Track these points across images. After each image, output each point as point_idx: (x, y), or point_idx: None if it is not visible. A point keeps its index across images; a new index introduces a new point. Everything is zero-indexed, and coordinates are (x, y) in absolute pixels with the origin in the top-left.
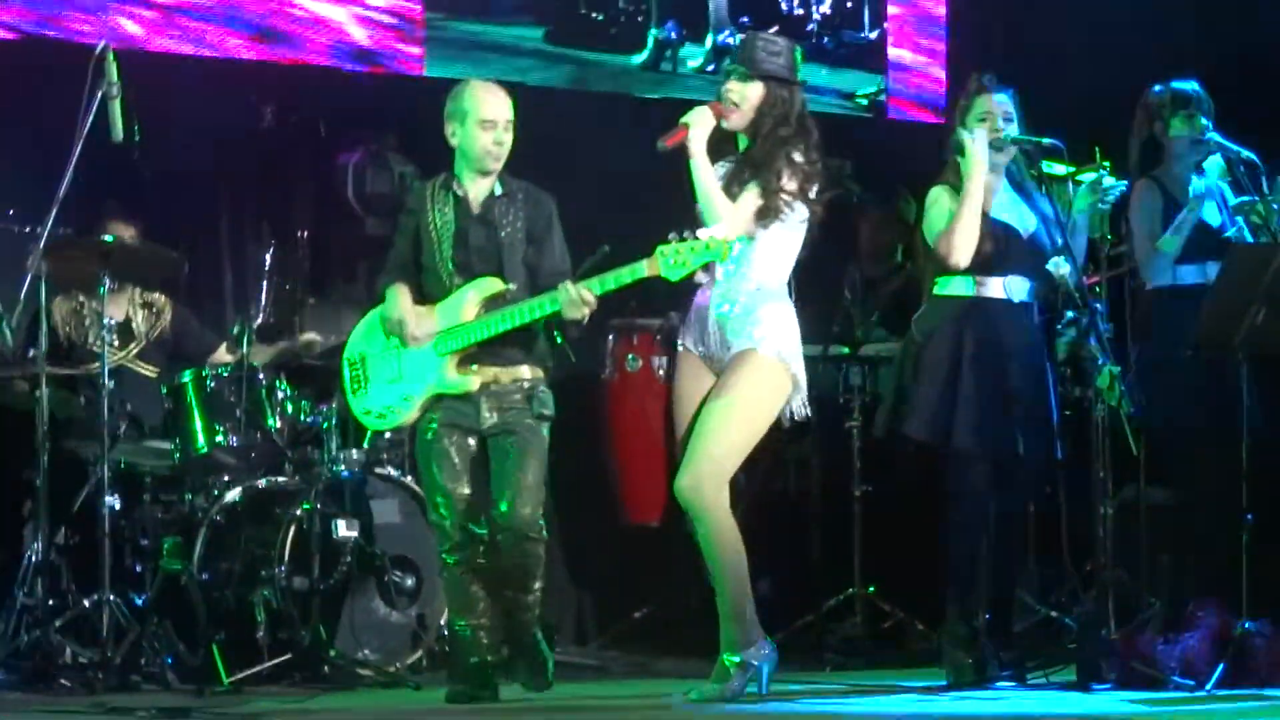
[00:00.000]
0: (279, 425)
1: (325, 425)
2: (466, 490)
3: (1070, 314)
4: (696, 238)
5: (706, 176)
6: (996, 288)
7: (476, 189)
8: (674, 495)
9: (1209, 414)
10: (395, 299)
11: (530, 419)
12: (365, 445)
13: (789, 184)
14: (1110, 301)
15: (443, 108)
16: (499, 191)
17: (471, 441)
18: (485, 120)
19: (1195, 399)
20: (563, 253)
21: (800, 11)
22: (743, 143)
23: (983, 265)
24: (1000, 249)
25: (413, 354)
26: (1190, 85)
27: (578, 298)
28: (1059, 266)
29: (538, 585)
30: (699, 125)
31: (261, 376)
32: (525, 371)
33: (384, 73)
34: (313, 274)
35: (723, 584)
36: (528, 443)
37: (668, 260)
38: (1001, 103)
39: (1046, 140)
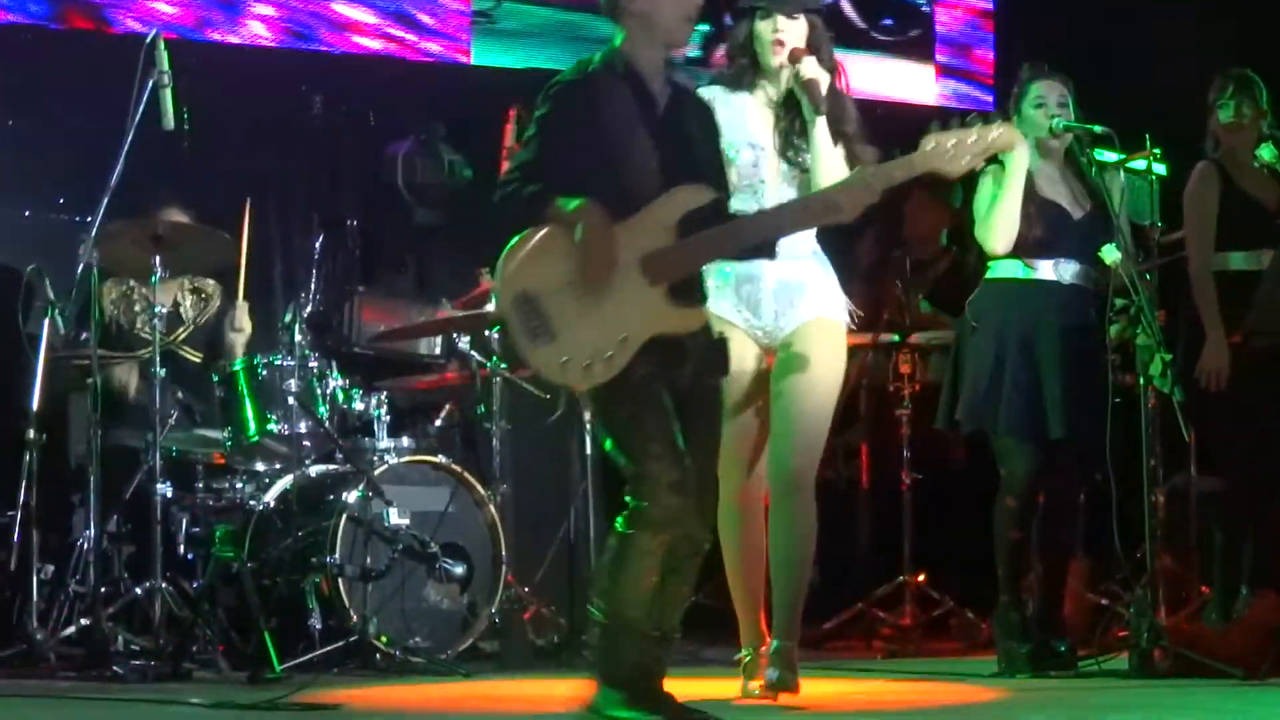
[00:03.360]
0: (330, 413)
1: (376, 413)
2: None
3: (1120, 301)
4: (966, 125)
5: (826, 139)
6: (1047, 270)
7: (654, 75)
8: (780, 477)
9: (1261, 400)
10: (593, 213)
11: (721, 377)
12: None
13: (858, 131)
14: (1162, 288)
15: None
16: (677, 80)
17: (668, 398)
18: None
19: (1246, 385)
20: None
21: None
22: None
23: (1033, 248)
24: (1051, 232)
25: (615, 285)
26: (1239, 71)
27: (874, 186)
28: (1110, 253)
29: None
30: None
31: (313, 364)
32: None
33: (434, 61)
34: (362, 263)
35: (802, 570)
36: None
37: (942, 152)
38: (1055, 88)
39: (1098, 127)
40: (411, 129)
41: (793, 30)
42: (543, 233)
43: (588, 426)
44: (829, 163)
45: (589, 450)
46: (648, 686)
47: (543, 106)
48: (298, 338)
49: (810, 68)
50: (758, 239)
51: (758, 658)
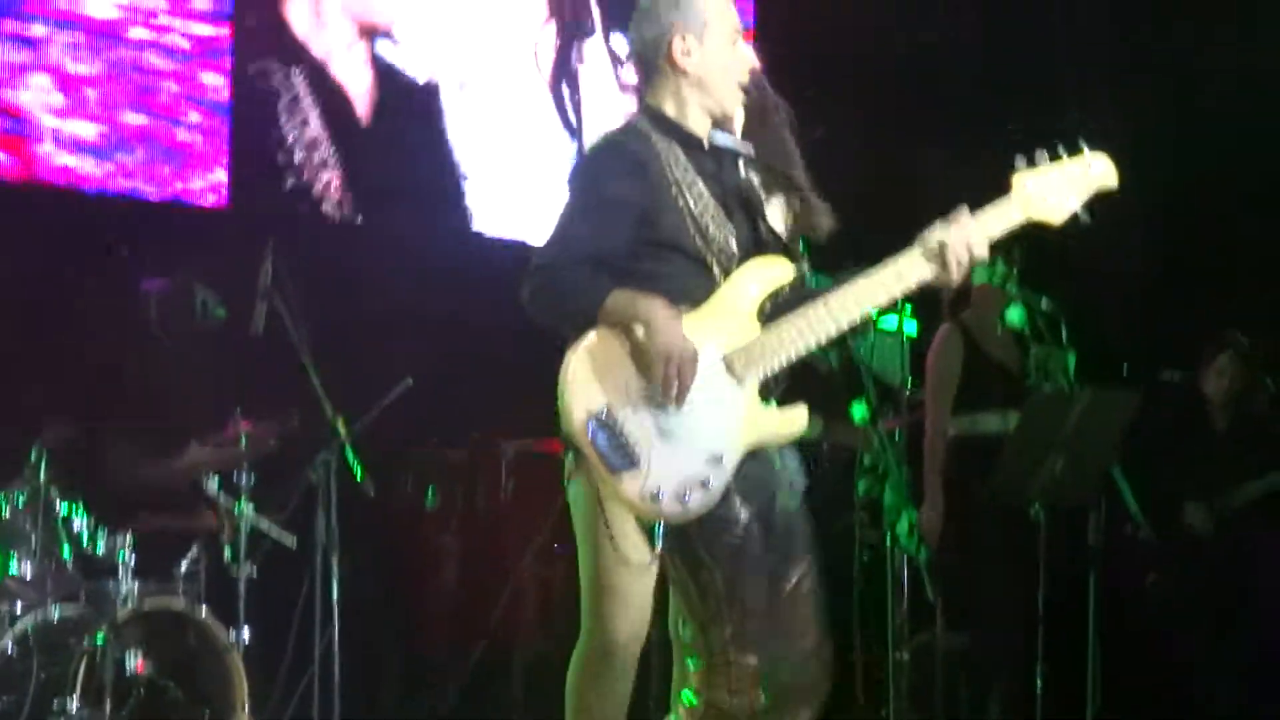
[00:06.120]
0: (73, 554)
1: (121, 554)
2: None
3: (868, 458)
4: (1055, 158)
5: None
6: None
7: (705, 135)
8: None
9: (1003, 558)
10: (661, 313)
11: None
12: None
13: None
14: (910, 446)
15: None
16: (722, 138)
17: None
18: (735, 30)
19: (992, 544)
20: None
21: None
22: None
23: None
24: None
25: (698, 392)
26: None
27: (967, 248)
28: (858, 410)
29: None
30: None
31: (57, 505)
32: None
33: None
34: (113, 400)
35: None
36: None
37: (1044, 194)
38: None
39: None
40: (165, 267)
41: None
42: (603, 338)
43: (335, 571)
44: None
45: (335, 595)
46: None
47: (581, 175)
48: (42, 476)
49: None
50: (853, 316)
51: None
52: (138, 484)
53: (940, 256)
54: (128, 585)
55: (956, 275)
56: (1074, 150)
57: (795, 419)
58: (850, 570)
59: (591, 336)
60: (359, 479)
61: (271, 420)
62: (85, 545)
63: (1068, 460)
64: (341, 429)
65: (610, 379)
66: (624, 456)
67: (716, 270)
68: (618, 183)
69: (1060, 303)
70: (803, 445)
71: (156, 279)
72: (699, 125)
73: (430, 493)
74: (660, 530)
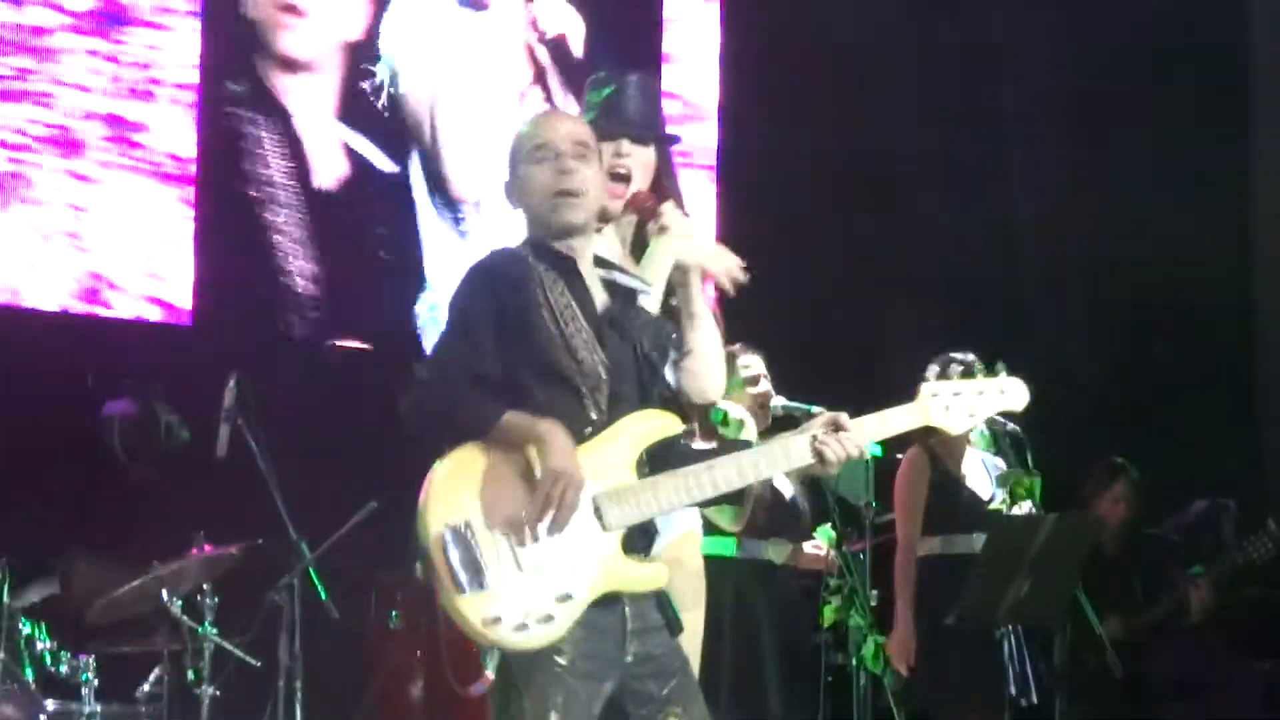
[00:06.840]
0: (36, 675)
1: (84, 676)
2: None
3: (834, 581)
4: (969, 374)
5: (711, 327)
6: (757, 549)
7: (582, 261)
8: None
9: (974, 682)
10: (560, 434)
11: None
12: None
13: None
14: (876, 568)
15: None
16: (618, 278)
17: (605, 687)
18: (537, 147)
19: (961, 667)
20: None
21: None
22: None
23: (746, 528)
24: (762, 511)
25: (566, 528)
26: (963, 355)
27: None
28: (824, 533)
29: None
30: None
31: (21, 626)
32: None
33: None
34: (79, 525)
35: None
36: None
37: (943, 405)
38: (758, 363)
39: (815, 409)
40: (128, 389)
41: (638, 162)
42: (477, 453)
43: (298, 692)
44: (714, 362)
45: (298, 716)
46: None
47: (458, 295)
48: (5, 597)
49: (678, 220)
50: (734, 484)
51: None
52: (100, 606)
53: (820, 452)
54: (91, 706)
55: (834, 470)
56: (991, 371)
57: (653, 576)
58: (816, 694)
59: (464, 450)
60: (323, 600)
61: (235, 542)
62: (48, 666)
63: (1033, 583)
64: (306, 551)
65: (477, 495)
66: (473, 575)
67: (585, 395)
68: (490, 303)
69: (1026, 426)
70: (770, 568)
71: (120, 401)
72: (575, 250)
73: (394, 615)
74: (494, 657)
